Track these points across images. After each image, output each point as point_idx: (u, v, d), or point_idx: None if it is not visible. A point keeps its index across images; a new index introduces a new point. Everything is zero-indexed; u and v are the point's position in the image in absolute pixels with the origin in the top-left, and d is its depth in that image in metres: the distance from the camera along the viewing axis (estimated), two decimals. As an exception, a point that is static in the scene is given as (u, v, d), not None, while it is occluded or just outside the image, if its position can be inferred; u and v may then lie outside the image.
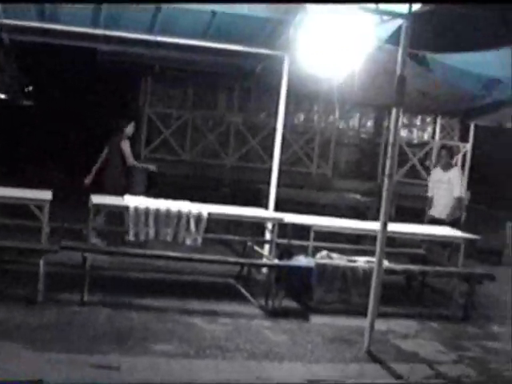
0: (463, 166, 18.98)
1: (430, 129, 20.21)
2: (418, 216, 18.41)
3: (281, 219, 10.06)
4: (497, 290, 11.87)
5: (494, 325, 10.14)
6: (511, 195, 18.57)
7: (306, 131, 18.88)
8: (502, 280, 13.06)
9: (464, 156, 19.44)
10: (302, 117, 19.31)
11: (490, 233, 17.04)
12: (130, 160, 12.46)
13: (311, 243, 10.15)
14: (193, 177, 17.42)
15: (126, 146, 12.39)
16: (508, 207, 18.33)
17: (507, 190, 18.81)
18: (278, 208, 11.80)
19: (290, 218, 10.33)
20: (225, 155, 18.16)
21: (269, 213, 11.01)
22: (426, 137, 20.17)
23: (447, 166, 13.19)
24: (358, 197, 16.35)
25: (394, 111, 8.10)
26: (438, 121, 19.93)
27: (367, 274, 9.50)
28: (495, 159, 19.85)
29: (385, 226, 8.01)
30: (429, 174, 18.84)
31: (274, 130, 12.08)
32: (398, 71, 8.05)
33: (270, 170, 12.06)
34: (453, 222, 12.43)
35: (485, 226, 17.29)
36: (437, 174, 13.39)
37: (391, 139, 8.07)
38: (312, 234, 10.13)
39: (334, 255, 9.95)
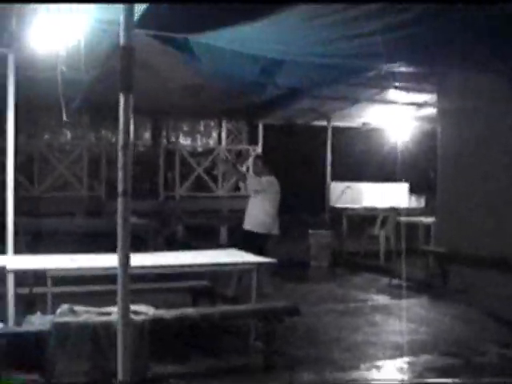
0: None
1: (215, 134, 17.65)
2: (211, 233, 15.94)
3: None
4: (305, 318, 9.31)
5: (304, 372, 7.48)
6: (310, 198, 16.31)
7: (72, 149, 15.76)
8: (310, 301, 10.75)
9: (255, 160, 16.98)
10: (68, 133, 16.26)
11: (295, 243, 14.79)
12: None
13: (49, 291, 7.28)
14: None
15: None
16: (309, 211, 16.09)
17: (305, 193, 16.54)
18: (36, 244, 10.06)
19: (19, 262, 7.38)
20: None
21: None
22: (211, 143, 17.57)
23: (258, 175, 11.37)
24: (134, 219, 13.40)
25: (121, 100, 5.32)
26: (224, 125, 17.41)
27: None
28: (290, 160, 17.51)
29: (126, 262, 5.25)
30: (217, 184, 16.48)
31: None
32: (122, 42, 5.30)
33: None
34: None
35: (289, 235, 15.00)
36: None
37: (121, 140, 5.35)
38: (49, 282, 7.26)
39: (80, 308, 7.08)
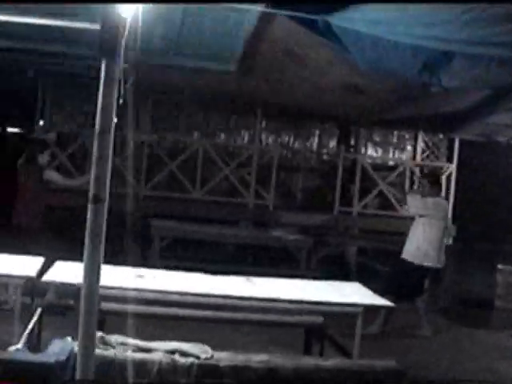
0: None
1: (410, 147, 15.61)
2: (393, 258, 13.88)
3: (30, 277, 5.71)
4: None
5: None
6: (507, 228, 13.87)
7: (242, 152, 14.40)
8: (472, 355, 8.69)
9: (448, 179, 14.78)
10: (245, 135, 14.90)
11: (479, 277, 12.57)
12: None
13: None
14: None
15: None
16: (501, 243, 13.70)
17: (502, 221, 14.10)
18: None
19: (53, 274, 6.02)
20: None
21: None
22: (404, 157, 15.55)
23: (425, 195, 9.78)
24: (285, 235, 11.75)
25: (103, 69, 3.78)
26: (420, 137, 15.36)
27: (167, 371, 5.22)
28: (488, 181, 15.04)
29: (93, 280, 3.74)
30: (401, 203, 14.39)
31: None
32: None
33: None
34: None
35: (472, 267, 12.82)
36: None
37: (98, 125, 3.82)
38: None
39: (115, 338, 5.57)
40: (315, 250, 11.95)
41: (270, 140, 14.98)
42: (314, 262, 11.92)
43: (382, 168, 15.13)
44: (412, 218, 14.70)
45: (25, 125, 15.57)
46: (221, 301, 6.11)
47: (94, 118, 4.11)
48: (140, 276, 6.47)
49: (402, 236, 14.06)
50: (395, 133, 15.57)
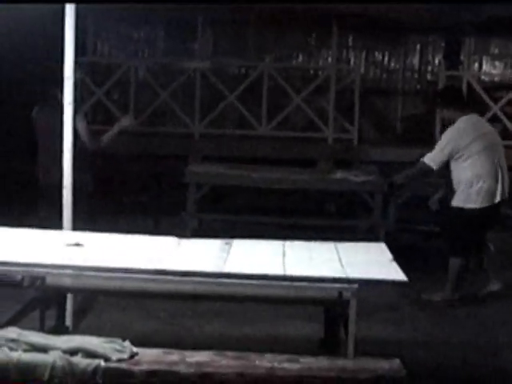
0: None
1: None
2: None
3: None
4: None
5: None
6: None
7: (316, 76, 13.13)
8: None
9: None
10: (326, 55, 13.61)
11: None
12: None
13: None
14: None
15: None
16: None
17: None
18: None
19: None
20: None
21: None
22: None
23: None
24: (353, 177, 10.21)
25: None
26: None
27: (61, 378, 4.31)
28: None
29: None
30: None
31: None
32: None
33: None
34: None
35: None
36: None
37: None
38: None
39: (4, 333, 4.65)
40: (397, 194, 10.44)
41: (359, 60, 13.64)
42: (394, 210, 10.42)
43: (501, 87, 13.39)
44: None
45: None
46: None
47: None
48: (76, 244, 5.42)
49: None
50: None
